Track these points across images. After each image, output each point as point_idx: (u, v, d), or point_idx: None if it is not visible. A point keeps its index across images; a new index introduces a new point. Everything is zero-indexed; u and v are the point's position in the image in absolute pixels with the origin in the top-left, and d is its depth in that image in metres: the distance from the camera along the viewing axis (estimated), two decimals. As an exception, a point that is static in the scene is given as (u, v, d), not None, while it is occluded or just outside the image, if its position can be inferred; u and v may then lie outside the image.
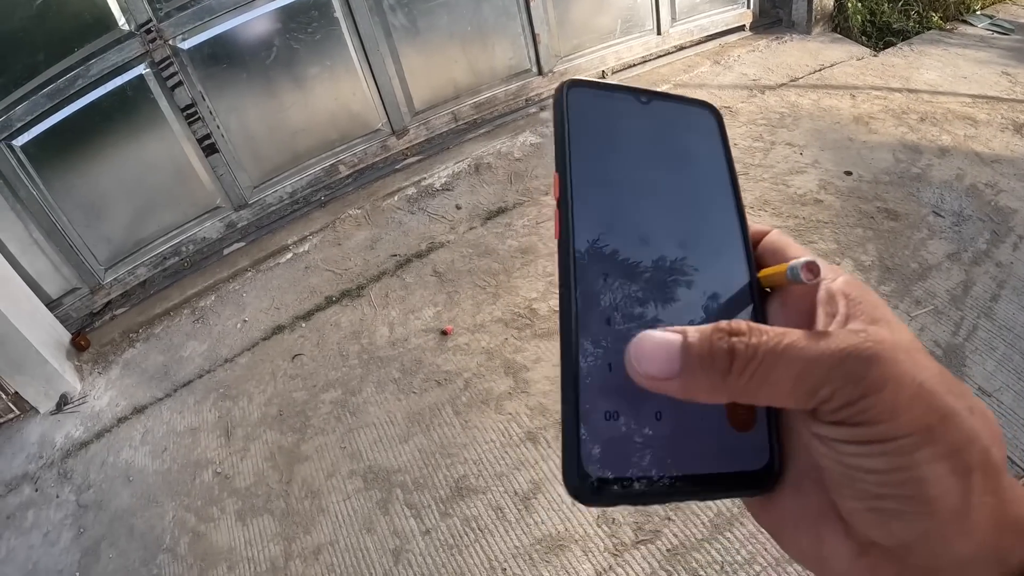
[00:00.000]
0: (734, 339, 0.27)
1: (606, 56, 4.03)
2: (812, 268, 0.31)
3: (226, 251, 3.53)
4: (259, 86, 3.25)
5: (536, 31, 3.70)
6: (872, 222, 2.79)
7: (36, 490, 2.86)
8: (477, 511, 2.13)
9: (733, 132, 3.48)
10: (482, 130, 3.82)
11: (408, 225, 3.41)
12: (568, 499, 2.09)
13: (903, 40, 4.02)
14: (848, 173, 3.06)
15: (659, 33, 4.08)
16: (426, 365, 2.63)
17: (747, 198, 2.95)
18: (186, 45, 3.00)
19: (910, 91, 3.58)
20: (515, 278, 2.89)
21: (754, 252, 0.36)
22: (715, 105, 0.39)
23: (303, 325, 3.02)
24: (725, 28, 4.30)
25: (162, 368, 3.13)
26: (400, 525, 2.16)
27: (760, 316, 0.34)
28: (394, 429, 2.46)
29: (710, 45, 4.26)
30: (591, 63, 4.00)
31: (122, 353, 3.29)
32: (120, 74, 2.91)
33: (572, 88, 0.35)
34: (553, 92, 0.36)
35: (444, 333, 2.71)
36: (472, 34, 3.61)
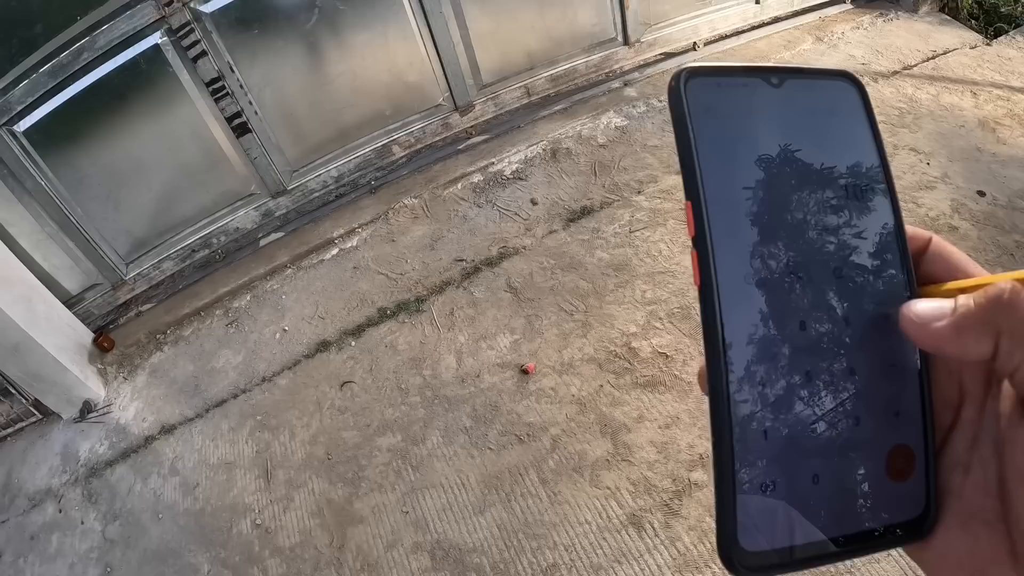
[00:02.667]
0: None
1: (699, 26, 3.46)
2: None
3: (262, 242, 3.10)
4: (298, 55, 2.76)
5: (625, -7, 3.09)
6: (1011, 260, 2.28)
7: (60, 511, 2.59)
8: (573, 619, 1.74)
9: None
10: (558, 107, 3.26)
11: (475, 221, 2.92)
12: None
13: (1014, 27, 3.48)
14: (981, 193, 2.53)
15: (757, 2, 3.50)
16: (503, 412, 2.20)
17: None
18: (209, 8, 2.53)
19: (1034, 93, 2.99)
20: (608, 303, 2.42)
21: (914, 264, 0.32)
22: (854, 74, 0.33)
23: (352, 344, 2.61)
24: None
25: (192, 380, 2.77)
26: (478, 626, 1.79)
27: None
28: (467, 495, 2.05)
29: (809, 18, 3.69)
30: (683, 33, 3.42)
31: (149, 357, 2.94)
32: (132, 45, 2.49)
33: (691, 79, 0.29)
34: (668, 85, 0.27)
35: (525, 372, 2.27)
36: (551, -6, 3.01)
